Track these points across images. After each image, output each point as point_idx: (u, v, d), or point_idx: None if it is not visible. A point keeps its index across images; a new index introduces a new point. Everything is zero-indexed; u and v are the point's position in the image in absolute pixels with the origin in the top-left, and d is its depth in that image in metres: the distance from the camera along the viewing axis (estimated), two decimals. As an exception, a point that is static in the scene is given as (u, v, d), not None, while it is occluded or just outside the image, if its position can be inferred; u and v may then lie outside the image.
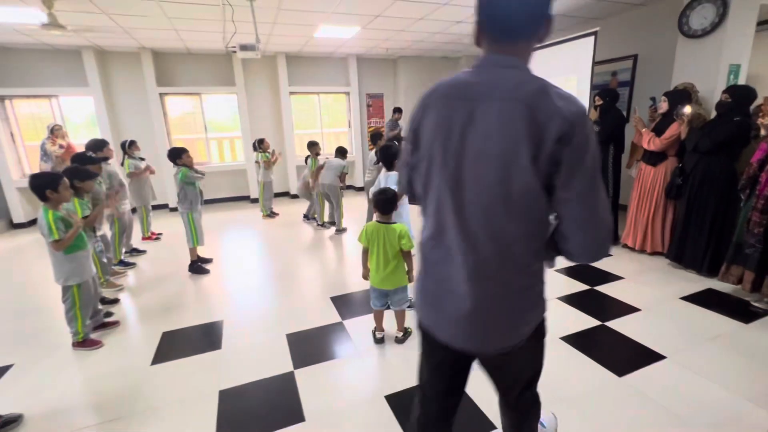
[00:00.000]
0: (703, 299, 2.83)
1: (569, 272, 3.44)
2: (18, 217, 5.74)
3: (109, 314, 2.90)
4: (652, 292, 3.00)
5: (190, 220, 3.69)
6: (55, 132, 4.95)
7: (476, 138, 0.89)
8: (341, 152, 5.01)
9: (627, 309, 2.77)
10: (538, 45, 0.95)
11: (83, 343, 2.51)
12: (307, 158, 5.27)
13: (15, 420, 1.87)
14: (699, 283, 3.12)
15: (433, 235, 1.02)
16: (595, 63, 4.31)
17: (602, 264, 3.59)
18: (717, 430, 1.69)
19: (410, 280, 2.39)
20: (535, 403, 1.30)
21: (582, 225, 0.90)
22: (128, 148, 4.44)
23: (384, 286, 2.33)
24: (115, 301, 3.17)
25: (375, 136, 4.91)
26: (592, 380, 2.04)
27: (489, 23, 0.93)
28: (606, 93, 4.04)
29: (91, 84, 5.78)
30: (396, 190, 2.41)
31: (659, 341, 2.36)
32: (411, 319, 2.68)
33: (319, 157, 5.21)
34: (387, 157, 3.03)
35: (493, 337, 1.02)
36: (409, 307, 2.66)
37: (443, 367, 1.20)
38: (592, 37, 4.24)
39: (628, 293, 2.99)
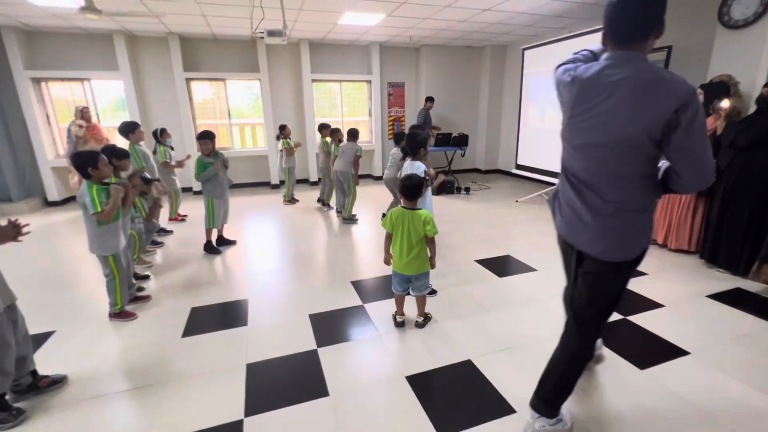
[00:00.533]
0: (731, 298, 2.78)
1: (591, 266, 3.41)
2: (52, 195, 6.00)
3: (140, 289, 3.04)
4: (676, 289, 2.96)
5: (208, 203, 3.80)
6: (83, 114, 5.03)
7: (612, 110, 1.27)
8: (353, 135, 4.87)
9: (650, 304, 2.74)
10: (656, 40, 1.30)
11: (119, 314, 2.65)
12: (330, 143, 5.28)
13: (60, 381, 2.00)
14: (727, 281, 3.06)
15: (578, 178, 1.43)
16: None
17: (625, 259, 3.54)
18: (740, 425, 1.68)
19: (432, 267, 2.42)
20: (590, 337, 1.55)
21: (693, 165, 1.27)
22: (160, 136, 4.56)
23: (407, 272, 2.37)
24: (146, 277, 3.32)
25: (398, 137, 4.90)
26: (615, 372, 2.05)
27: (611, 33, 1.31)
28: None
29: (122, 68, 5.94)
30: (422, 177, 2.44)
31: (683, 337, 2.33)
32: (431, 305, 2.72)
33: (328, 139, 5.32)
34: (413, 144, 2.99)
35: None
36: (429, 293, 2.70)
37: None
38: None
39: (651, 289, 2.96)
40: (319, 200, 5.77)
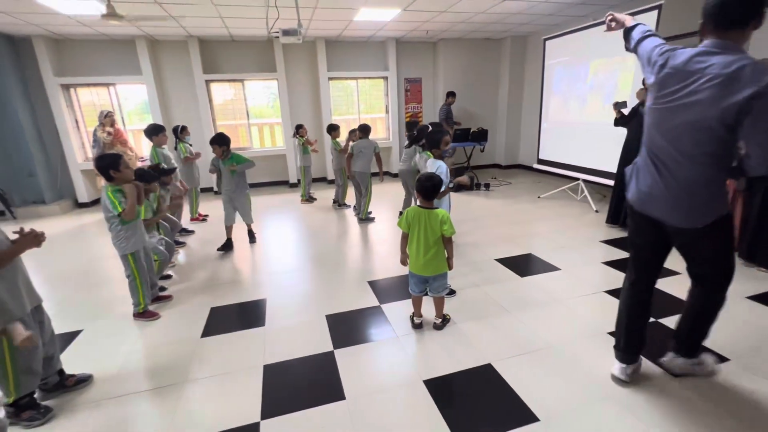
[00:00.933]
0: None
1: (618, 265, 3.26)
2: (82, 197, 6.25)
3: (162, 288, 3.10)
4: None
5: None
6: (107, 118, 5.14)
7: (692, 95, 1.43)
8: (364, 131, 4.76)
9: (682, 306, 2.57)
10: (753, 31, 1.38)
11: (143, 314, 2.71)
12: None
13: (86, 380, 2.06)
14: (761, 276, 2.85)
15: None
16: (656, 40, 3.96)
17: (656, 258, 3.36)
18: (789, 440, 1.55)
19: (450, 267, 2.35)
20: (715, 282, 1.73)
21: (762, 147, 1.36)
22: (180, 133, 4.66)
23: (424, 273, 2.31)
24: (169, 276, 3.39)
25: (411, 125, 4.82)
26: (647, 379, 1.93)
27: (710, 21, 1.43)
28: None
29: (144, 72, 6.09)
30: (442, 178, 2.36)
31: (721, 342, 2.18)
32: (450, 306, 2.65)
33: (339, 140, 5.33)
34: (433, 141, 2.87)
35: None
36: (448, 294, 2.64)
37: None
38: (655, 12, 3.89)
39: (685, 290, 2.78)
40: (334, 201, 5.76)
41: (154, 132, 4.21)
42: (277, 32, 4.44)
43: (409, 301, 2.59)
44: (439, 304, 2.44)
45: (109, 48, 6.08)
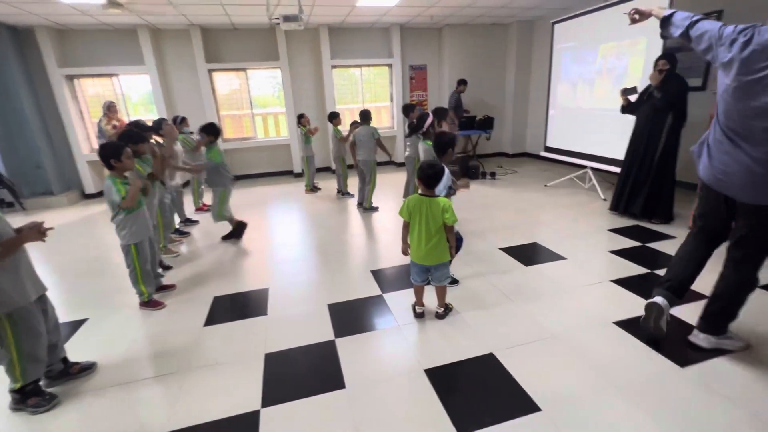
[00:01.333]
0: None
1: (625, 254, 3.20)
2: (89, 188, 6.30)
3: (161, 276, 3.11)
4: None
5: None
6: (110, 109, 5.26)
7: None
8: (365, 117, 4.66)
9: (691, 295, 2.51)
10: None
11: (148, 303, 2.73)
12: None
13: (90, 367, 2.08)
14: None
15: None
16: (669, 21, 3.81)
17: (664, 246, 3.30)
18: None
19: (452, 256, 2.32)
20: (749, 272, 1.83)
21: None
22: (179, 124, 4.63)
23: (426, 262, 2.28)
24: (169, 267, 3.40)
25: (408, 108, 4.72)
26: (652, 368, 1.90)
27: None
28: (673, 57, 3.60)
29: (147, 62, 6.06)
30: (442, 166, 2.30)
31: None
32: (452, 295, 2.63)
33: (339, 128, 5.28)
34: (441, 145, 2.70)
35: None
36: (450, 283, 2.61)
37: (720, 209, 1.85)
38: (668, -8, 3.74)
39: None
40: (338, 191, 5.73)
41: (159, 124, 4.17)
42: (278, 18, 4.37)
43: (412, 291, 2.57)
44: (441, 293, 2.42)
45: (112, 38, 6.06)
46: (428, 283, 2.42)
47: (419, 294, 2.45)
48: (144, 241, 2.65)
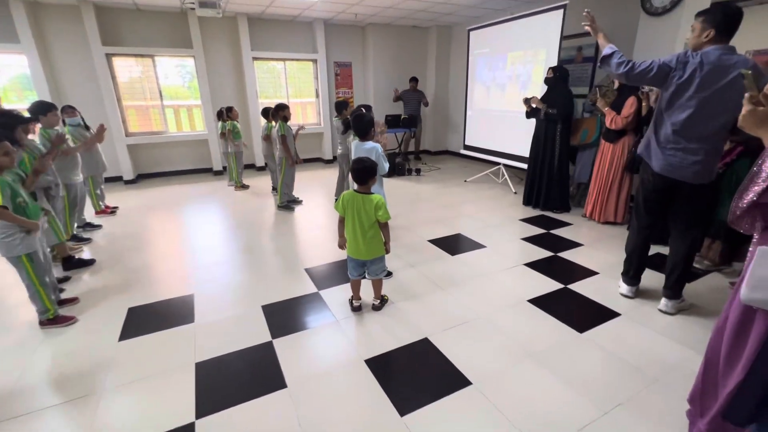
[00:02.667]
0: (656, 263, 3.09)
1: (534, 240, 3.63)
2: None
3: (60, 290, 2.72)
4: (607, 257, 3.23)
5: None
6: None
7: (730, 84, 1.95)
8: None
9: (586, 272, 2.97)
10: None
11: (54, 320, 2.36)
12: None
13: (-30, 403, 1.75)
14: (654, 250, 3.39)
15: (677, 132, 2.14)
16: (563, 37, 4.39)
17: (564, 232, 3.81)
18: (663, 374, 1.90)
19: (387, 251, 2.41)
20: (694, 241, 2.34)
21: None
22: (62, 113, 3.94)
23: (361, 256, 2.34)
24: (66, 278, 2.97)
25: (340, 105, 4.74)
26: (558, 337, 2.21)
27: (724, 33, 1.99)
28: (557, 68, 4.19)
29: (23, 40, 5.14)
30: (372, 159, 2.38)
31: (615, 301, 2.57)
32: (387, 286, 2.73)
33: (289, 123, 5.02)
34: (360, 126, 2.93)
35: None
36: (386, 276, 2.71)
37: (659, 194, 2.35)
38: (561, 11, 4.29)
39: (588, 258, 3.21)
40: (273, 188, 5.50)
41: (40, 110, 3.46)
42: (193, 3, 4.03)
43: (348, 285, 2.61)
44: (377, 286, 2.50)
45: (-28, 8, 5.00)
46: (364, 277, 2.48)
47: (356, 288, 2.50)
48: (38, 249, 2.27)
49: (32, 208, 2.26)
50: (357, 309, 2.50)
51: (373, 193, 2.31)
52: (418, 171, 6.64)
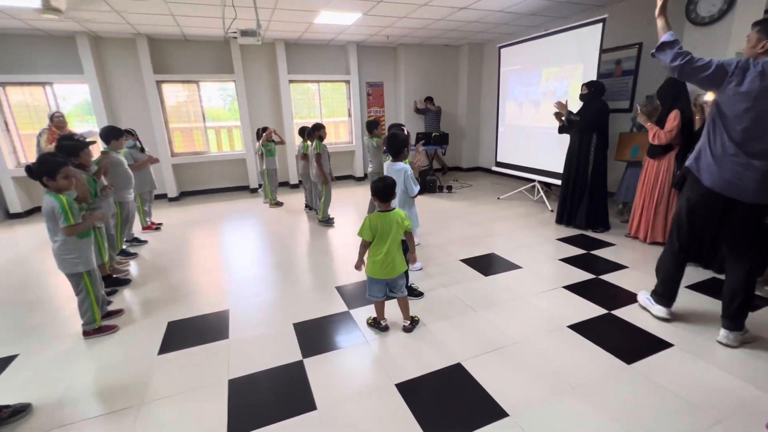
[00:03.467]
0: (709, 287, 2.85)
1: (573, 261, 3.45)
2: (14, 206, 5.66)
3: (108, 302, 2.87)
4: (655, 281, 3.00)
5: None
6: (54, 121, 4.48)
7: None
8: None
9: (632, 298, 2.78)
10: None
11: (99, 330, 2.51)
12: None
13: (23, 410, 1.85)
14: (703, 272, 3.13)
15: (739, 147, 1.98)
16: (602, 50, 4.27)
17: (605, 253, 3.60)
18: (726, 416, 1.71)
19: (414, 261, 2.47)
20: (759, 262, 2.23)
21: None
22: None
23: (389, 275, 2.31)
24: (113, 291, 3.14)
25: (371, 124, 4.80)
26: (603, 367, 2.05)
27: None
28: (592, 84, 4.05)
29: (86, 71, 5.65)
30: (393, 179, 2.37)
31: (666, 329, 2.37)
32: (417, 307, 2.68)
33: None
34: (395, 145, 2.90)
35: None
36: (416, 295, 2.70)
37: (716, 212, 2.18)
38: (600, 25, 4.18)
39: (633, 282, 3.01)
40: (306, 206, 5.64)
41: (113, 135, 3.78)
42: (235, 32, 4.29)
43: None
44: (405, 305, 2.46)
45: (46, 44, 5.58)
46: (388, 298, 2.44)
47: (381, 309, 2.47)
48: (95, 267, 2.44)
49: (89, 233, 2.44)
50: (385, 329, 2.45)
51: (395, 209, 2.32)
52: (449, 188, 6.58)
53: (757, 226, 2.09)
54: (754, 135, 1.92)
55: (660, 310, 2.48)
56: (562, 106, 4.21)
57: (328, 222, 4.87)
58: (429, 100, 7.46)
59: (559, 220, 4.48)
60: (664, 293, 2.47)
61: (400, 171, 2.86)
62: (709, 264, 3.18)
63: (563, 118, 4.21)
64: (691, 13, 3.89)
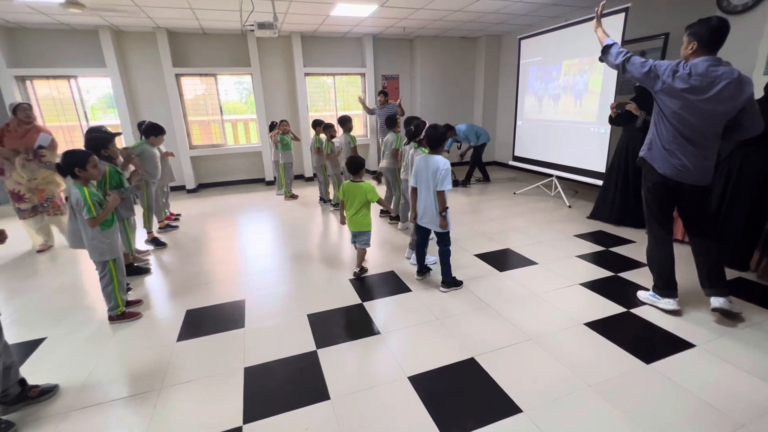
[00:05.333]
0: (734, 288, 2.75)
1: (591, 258, 3.38)
2: (41, 196, 5.86)
3: (128, 290, 2.95)
4: (678, 280, 2.92)
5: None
6: (19, 115, 3.68)
7: (718, 94, 2.06)
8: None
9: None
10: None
11: (122, 316, 2.60)
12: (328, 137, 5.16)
13: (51, 390, 1.93)
14: (729, 271, 3.02)
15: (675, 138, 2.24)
16: (624, 42, 4.12)
17: (625, 250, 3.52)
18: (750, 420, 1.65)
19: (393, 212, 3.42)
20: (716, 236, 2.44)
21: (756, 119, 2.14)
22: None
23: (358, 229, 3.07)
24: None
25: (390, 121, 4.73)
26: (620, 366, 2.01)
27: (707, 45, 2.09)
28: (641, 91, 3.79)
29: (109, 65, 5.79)
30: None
31: (688, 330, 2.31)
32: (431, 303, 2.67)
33: (334, 140, 5.17)
34: (435, 137, 2.76)
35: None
36: (455, 286, 2.95)
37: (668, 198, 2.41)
38: (623, 14, 4.04)
39: (652, 280, 2.92)
40: (320, 199, 5.68)
41: (153, 132, 3.93)
42: (252, 25, 4.32)
43: (392, 299, 2.70)
44: (360, 255, 3.21)
45: (70, 38, 5.73)
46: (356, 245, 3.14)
47: (357, 254, 3.23)
48: (121, 255, 2.53)
49: (112, 216, 2.51)
50: (361, 271, 3.19)
51: (363, 182, 3.01)
52: (465, 183, 6.51)
53: (703, 205, 2.34)
54: (689, 126, 2.16)
55: (668, 303, 2.49)
56: (635, 107, 3.85)
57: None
58: (383, 94, 6.43)
59: (596, 216, 4.36)
60: (666, 284, 2.51)
61: (438, 164, 2.66)
62: (731, 263, 3.07)
63: (640, 120, 3.89)
64: (723, 2, 3.71)
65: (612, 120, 4.21)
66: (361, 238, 3.13)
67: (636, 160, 2.63)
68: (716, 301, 2.35)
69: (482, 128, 6.40)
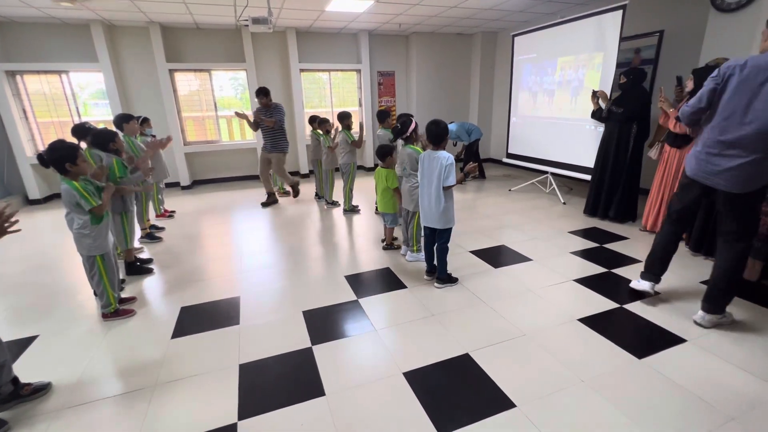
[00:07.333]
0: (742, 288, 2.77)
1: (585, 255, 3.40)
2: (33, 193, 5.81)
3: (121, 288, 2.93)
4: (670, 277, 2.94)
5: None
6: None
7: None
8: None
9: (645, 292, 2.72)
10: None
11: (116, 313, 2.57)
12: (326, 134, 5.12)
13: (44, 388, 1.92)
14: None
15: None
16: (620, 39, 4.14)
17: (619, 247, 3.54)
18: (740, 413, 1.68)
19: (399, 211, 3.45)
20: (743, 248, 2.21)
21: None
22: (140, 124, 4.41)
23: (384, 211, 3.53)
24: (122, 280, 3.20)
25: (383, 114, 4.72)
26: (613, 361, 2.03)
27: None
28: (630, 72, 3.90)
29: (101, 59, 5.71)
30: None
31: (679, 325, 2.33)
32: (426, 299, 2.68)
33: (330, 135, 5.15)
34: (437, 133, 2.73)
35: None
36: (450, 282, 2.96)
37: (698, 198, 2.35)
38: (620, 12, 4.05)
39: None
40: (315, 195, 5.66)
41: (124, 120, 3.96)
42: (246, 20, 4.28)
43: (386, 295, 2.71)
44: (388, 233, 3.61)
45: (61, 32, 5.65)
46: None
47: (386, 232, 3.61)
48: (110, 251, 2.50)
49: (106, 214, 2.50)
50: (388, 247, 3.62)
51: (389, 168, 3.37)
52: (480, 176, 6.49)
53: (734, 214, 2.17)
54: (732, 124, 2.04)
55: (637, 282, 2.60)
56: (604, 95, 4.04)
57: (353, 210, 4.99)
58: (263, 92, 4.98)
59: (592, 212, 4.40)
60: (647, 267, 2.57)
61: (443, 159, 2.67)
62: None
63: (603, 108, 4.04)
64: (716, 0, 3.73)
65: (593, 113, 4.26)
66: (386, 217, 3.57)
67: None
68: (701, 317, 2.31)
69: (473, 125, 6.40)
